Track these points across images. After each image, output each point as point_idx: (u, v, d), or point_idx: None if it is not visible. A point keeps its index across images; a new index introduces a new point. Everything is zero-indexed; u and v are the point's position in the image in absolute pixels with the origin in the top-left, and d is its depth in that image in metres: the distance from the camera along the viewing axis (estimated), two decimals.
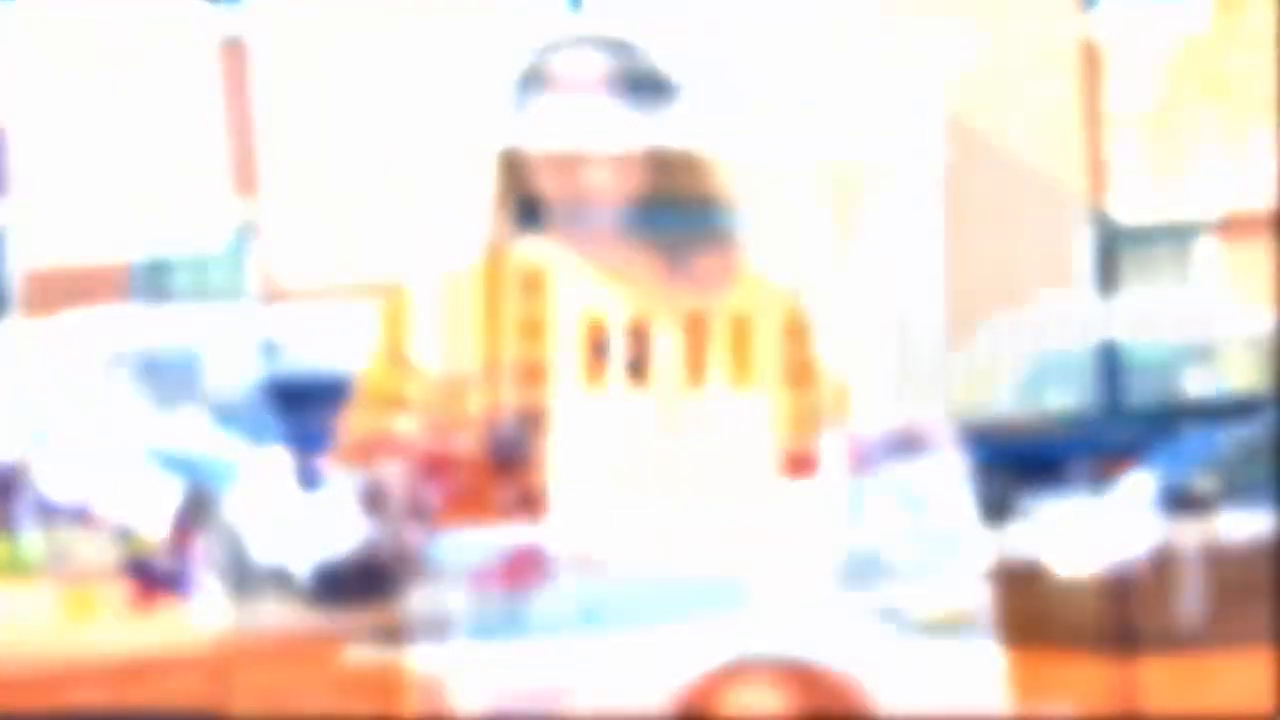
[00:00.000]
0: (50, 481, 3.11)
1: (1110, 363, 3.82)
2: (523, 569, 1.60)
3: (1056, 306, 3.73)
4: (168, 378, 3.29)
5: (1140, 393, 3.73)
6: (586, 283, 2.07)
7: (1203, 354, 3.95)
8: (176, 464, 3.24)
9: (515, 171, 2.13)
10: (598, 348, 2.00)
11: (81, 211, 3.45)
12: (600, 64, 2.07)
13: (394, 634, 1.84)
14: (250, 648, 2.81)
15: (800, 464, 2.10)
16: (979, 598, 1.77)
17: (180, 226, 3.14)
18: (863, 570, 1.73)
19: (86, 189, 3.12)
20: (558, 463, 1.92)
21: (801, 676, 1.67)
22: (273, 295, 3.44)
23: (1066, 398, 3.77)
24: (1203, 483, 3.13)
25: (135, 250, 3.22)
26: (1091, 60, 3.73)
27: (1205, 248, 4.30)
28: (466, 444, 1.96)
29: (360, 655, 1.75)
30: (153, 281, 3.27)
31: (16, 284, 3.15)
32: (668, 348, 2.02)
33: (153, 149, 3.55)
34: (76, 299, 3.56)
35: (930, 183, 3.48)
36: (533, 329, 2.01)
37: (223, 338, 3.50)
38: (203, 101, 3.66)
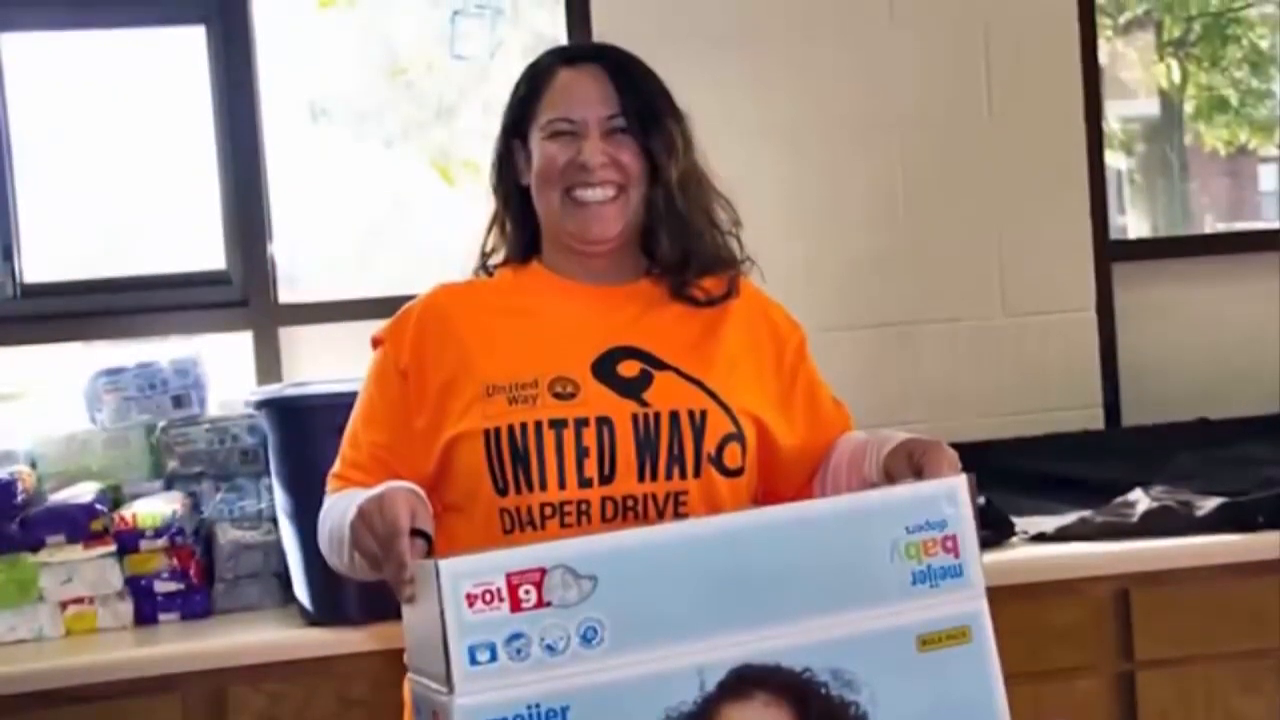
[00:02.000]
0: (54, 497, 3.13)
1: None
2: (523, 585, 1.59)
3: None
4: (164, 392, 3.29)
5: None
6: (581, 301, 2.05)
7: None
8: (176, 478, 3.25)
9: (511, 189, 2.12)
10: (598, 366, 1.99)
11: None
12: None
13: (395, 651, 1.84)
14: (251, 662, 2.81)
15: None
16: (980, 611, 1.76)
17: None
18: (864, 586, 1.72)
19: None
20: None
21: (802, 691, 1.67)
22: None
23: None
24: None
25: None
26: None
27: None
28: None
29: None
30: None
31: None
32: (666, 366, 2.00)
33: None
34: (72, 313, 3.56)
35: None
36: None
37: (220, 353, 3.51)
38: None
